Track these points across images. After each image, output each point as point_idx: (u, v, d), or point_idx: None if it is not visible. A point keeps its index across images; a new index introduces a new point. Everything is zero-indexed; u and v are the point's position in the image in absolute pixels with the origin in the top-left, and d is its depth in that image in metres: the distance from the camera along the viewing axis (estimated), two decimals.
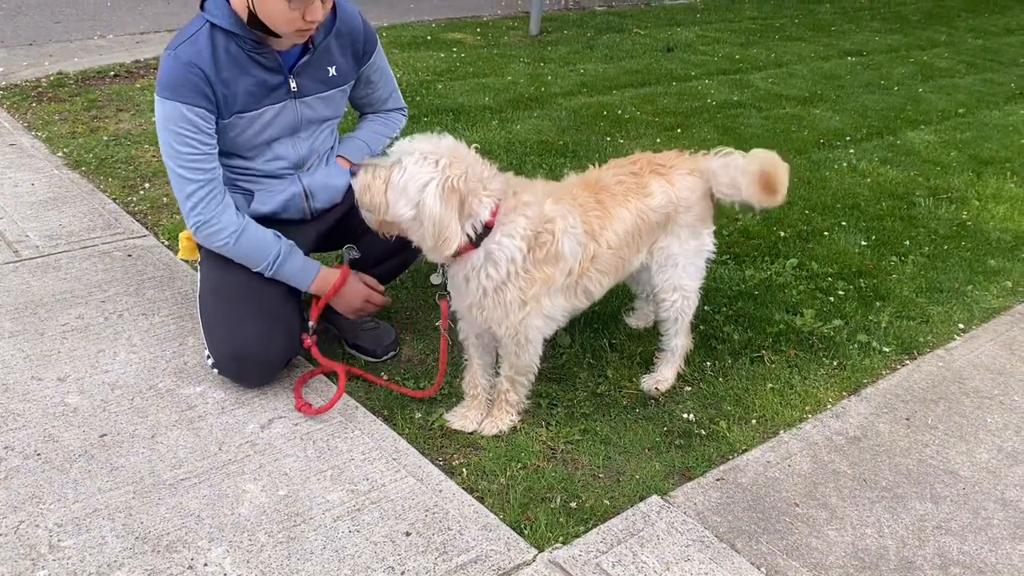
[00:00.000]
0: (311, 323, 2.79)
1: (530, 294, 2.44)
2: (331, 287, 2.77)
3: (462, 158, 2.32)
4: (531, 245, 2.40)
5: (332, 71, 2.74)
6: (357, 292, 2.84)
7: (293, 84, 2.65)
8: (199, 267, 2.89)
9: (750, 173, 2.73)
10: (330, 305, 3.00)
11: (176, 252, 3.63)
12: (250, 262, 2.67)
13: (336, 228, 2.96)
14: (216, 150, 2.60)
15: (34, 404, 2.62)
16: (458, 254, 2.37)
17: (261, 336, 2.64)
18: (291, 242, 2.72)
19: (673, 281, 2.79)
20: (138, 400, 2.68)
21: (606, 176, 2.68)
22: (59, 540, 2.12)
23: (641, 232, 2.65)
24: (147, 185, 4.39)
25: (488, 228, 2.36)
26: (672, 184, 2.72)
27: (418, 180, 2.27)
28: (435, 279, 2.60)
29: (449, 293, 2.55)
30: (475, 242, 2.35)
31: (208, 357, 2.74)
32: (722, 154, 2.82)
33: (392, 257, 2.95)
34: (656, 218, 2.68)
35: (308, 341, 2.77)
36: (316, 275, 2.75)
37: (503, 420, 2.68)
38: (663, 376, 2.91)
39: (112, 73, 6.36)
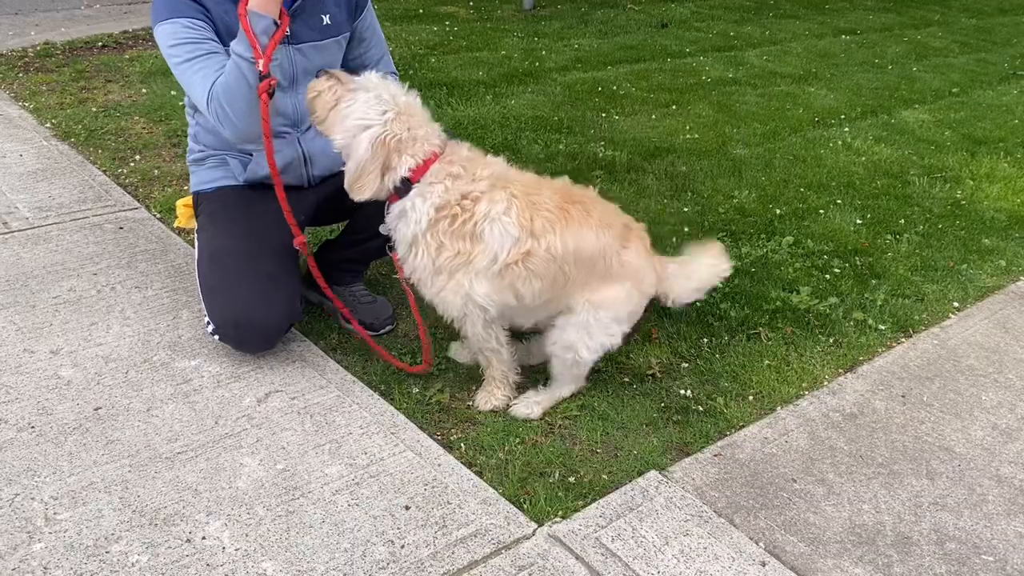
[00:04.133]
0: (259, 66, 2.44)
1: (440, 262, 2.42)
2: None
3: (408, 116, 2.39)
4: (444, 214, 2.39)
5: (326, 20, 2.72)
6: None
7: (287, 30, 2.62)
8: (196, 235, 2.86)
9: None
10: (324, 272, 2.98)
11: (169, 224, 3.61)
12: (235, 91, 2.48)
13: (334, 199, 2.92)
14: (226, 53, 2.54)
15: (27, 377, 2.60)
16: (389, 201, 2.47)
17: (262, 302, 2.62)
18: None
19: (572, 340, 2.55)
20: (132, 373, 2.65)
21: (598, 203, 2.56)
22: (55, 513, 2.11)
23: (595, 267, 2.48)
24: (138, 157, 4.33)
25: (410, 185, 2.41)
26: (642, 263, 2.57)
27: (357, 119, 2.37)
28: (383, 228, 2.57)
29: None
30: (398, 194, 2.43)
31: (208, 324, 2.72)
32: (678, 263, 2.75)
33: None
34: (611, 269, 2.51)
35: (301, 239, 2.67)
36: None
37: (494, 395, 2.66)
38: (538, 400, 2.69)
39: (100, 44, 6.27)
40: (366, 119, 2.37)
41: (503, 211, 2.40)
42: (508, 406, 2.67)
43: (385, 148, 2.37)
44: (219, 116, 2.52)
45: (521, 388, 2.73)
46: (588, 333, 2.52)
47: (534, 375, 2.80)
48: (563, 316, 2.55)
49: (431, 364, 2.76)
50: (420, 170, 2.40)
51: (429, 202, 2.39)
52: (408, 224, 2.43)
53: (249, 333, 2.66)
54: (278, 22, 2.45)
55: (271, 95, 2.46)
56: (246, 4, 2.42)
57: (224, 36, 2.57)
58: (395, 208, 2.47)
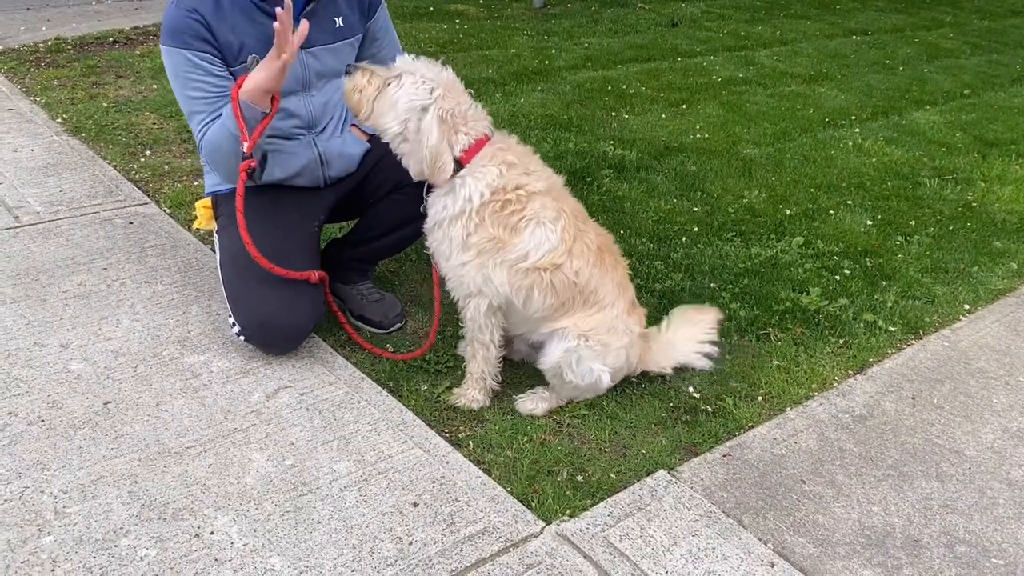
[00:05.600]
0: (243, 147, 2.49)
1: (474, 240, 2.42)
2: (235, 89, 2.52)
3: (455, 93, 2.41)
4: (497, 199, 2.40)
5: (339, 22, 2.73)
6: (262, 73, 2.46)
7: None
8: (217, 236, 2.86)
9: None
10: (332, 271, 2.98)
11: (179, 220, 3.62)
12: (224, 150, 2.57)
13: (350, 197, 2.93)
14: (228, 91, 2.57)
15: (37, 370, 2.60)
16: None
17: (287, 303, 2.62)
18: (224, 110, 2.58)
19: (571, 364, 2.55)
20: (142, 368, 2.65)
21: (625, 269, 2.64)
22: (64, 507, 2.11)
23: (604, 316, 2.55)
24: (148, 152, 4.34)
25: (461, 165, 2.42)
26: (639, 334, 2.63)
27: (410, 100, 2.37)
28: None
29: None
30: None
31: (233, 325, 2.72)
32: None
33: (400, 228, 2.92)
34: (616, 324, 2.57)
35: (315, 276, 2.71)
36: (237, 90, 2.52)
37: (467, 394, 2.65)
38: (544, 397, 2.69)
39: (111, 39, 6.29)
40: (419, 99, 2.36)
41: (551, 219, 2.44)
42: (481, 408, 2.65)
43: (446, 124, 2.38)
44: (208, 162, 2.67)
45: (518, 386, 2.73)
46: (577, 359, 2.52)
47: (518, 376, 2.79)
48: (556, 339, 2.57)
49: (433, 340, 2.78)
50: (471, 152, 2.42)
51: (484, 183, 2.40)
52: (456, 201, 2.42)
53: (275, 335, 2.66)
54: (267, 111, 2.51)
55: (250, 175, 2.54)
56: (240, 88, 2.47)
57: (229, 58, 2.57)
58: (442, 188, 2.45)
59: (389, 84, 2.39)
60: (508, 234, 2.42)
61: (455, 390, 2.68)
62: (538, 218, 2.42)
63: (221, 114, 2.55)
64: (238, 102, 2.47)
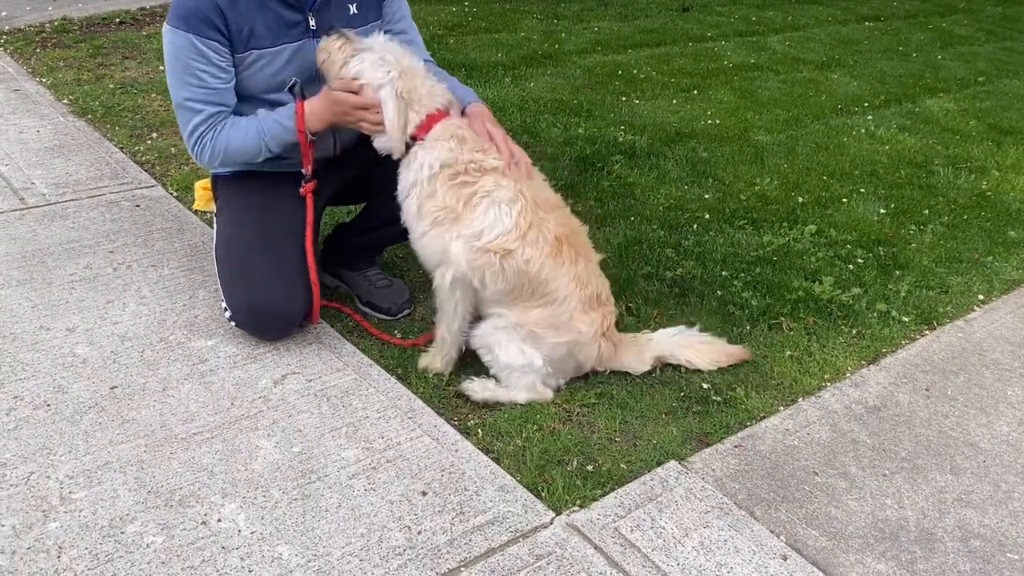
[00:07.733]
0: (304, 170, 2.66)
1: (427, 209, 2.46)
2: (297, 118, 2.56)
3: (411, 76, 2.49)
4: (449, 171, 2.44)
5: (353, 8, 2.68)
6: (333, 102, 2.53)
7: (312, 22, 2.59)
8: (215, 218, 2.83)
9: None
10: (339, 257, 2.94)
11: (186, 203, 3.59)
12: (248, 158, 2.65)
13: (359, 179, 2.88)
14: (230, 84, 2.56)
15: (43, 354, 2.58)
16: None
17: (280, 289, 2.59)
18: (263, 111, 2.60)
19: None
20: (148, 352, 2.63)
21: (590, 263, 2.56)
22: (70, 492, 2.09)
23: (549, 311, 2.51)
24: (154, 135, 4.31)
25: (415, 140, 2.50)
26: (589, 336, 2.55)
27: (368, 77, 2.47)
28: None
29: None
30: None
31: (225, 310, 2.69)
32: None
33: None
34: (559, 320, 2.51)
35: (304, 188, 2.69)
36: (293, 113, 2.57)
37: (436, 361, 2.66)
38: (491, 387, 2.62)
39: (118, 20, 6.25)
40: (375, 76, 2.46)
41: (507, 199, 2.43)
42: (442, 374, 2.66)
43: (403, 101, 2.46)
44: (212, 160, 2.62)
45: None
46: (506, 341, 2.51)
47: None
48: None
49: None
50: (423, 128, 2.48)
51: (433, 155, 2.45)
52: (410, 173, 2.50)
53: (266, 321, 2.64)
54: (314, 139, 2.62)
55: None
56: (302, 119, 2.53)
57: (237, 43, 2.52)
58: (402, 162, 2.53)
59: (354, 56, 2.48)
60: (460, 206, 2.44)
61: (422, 354, 2.70)
62: (492, 197, 2.43)
63: (219, 114, 2.56)
64: (305, 137, 2.55)
